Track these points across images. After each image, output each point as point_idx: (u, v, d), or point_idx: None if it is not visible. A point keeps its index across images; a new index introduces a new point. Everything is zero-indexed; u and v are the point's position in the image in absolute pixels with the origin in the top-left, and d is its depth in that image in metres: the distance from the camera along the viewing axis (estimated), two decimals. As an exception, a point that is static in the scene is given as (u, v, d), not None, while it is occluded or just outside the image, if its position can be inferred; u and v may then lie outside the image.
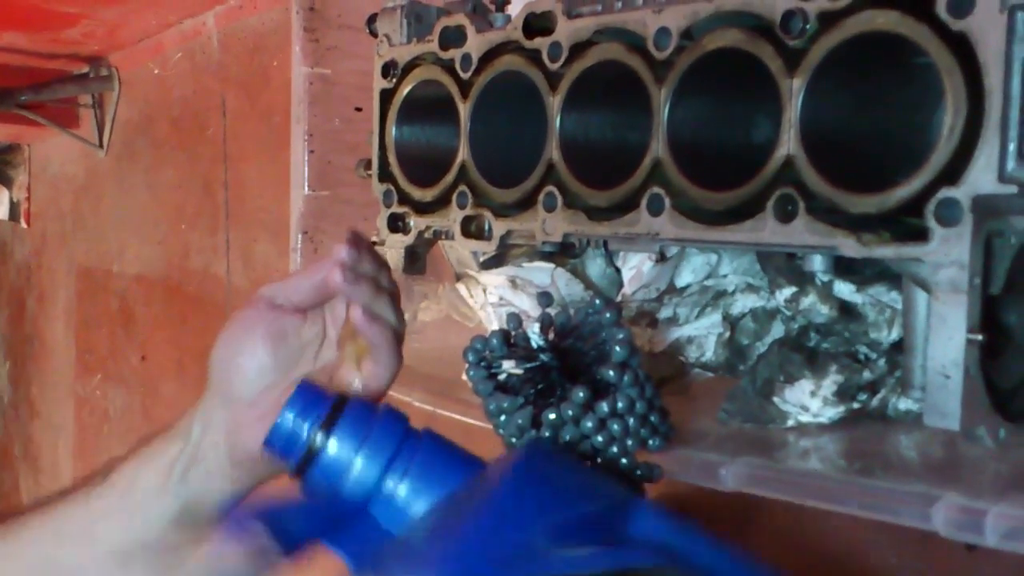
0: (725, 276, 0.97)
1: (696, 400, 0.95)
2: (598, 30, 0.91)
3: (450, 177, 1.05)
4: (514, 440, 0.74)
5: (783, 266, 0.88)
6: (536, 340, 0.75)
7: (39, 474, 4.04)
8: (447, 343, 1.23)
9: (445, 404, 1.01)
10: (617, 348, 0.73)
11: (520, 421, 0.72)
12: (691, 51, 0.84)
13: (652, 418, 0.74)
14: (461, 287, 1.14)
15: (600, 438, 0.72)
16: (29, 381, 4.14)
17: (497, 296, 1.08)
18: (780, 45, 0.77)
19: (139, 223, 3.10)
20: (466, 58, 1.03)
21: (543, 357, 0.75)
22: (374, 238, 1.17)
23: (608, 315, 0.75)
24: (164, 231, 2.94)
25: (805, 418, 0.84)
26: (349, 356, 0.77)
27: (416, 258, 1.13)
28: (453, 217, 1.04)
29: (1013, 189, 0.66)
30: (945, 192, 0.68)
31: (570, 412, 0.71)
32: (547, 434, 0.72)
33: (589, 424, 0.71)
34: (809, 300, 0.86)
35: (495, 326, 1.09)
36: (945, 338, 0.69)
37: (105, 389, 3.38)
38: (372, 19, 1.16)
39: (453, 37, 1.05)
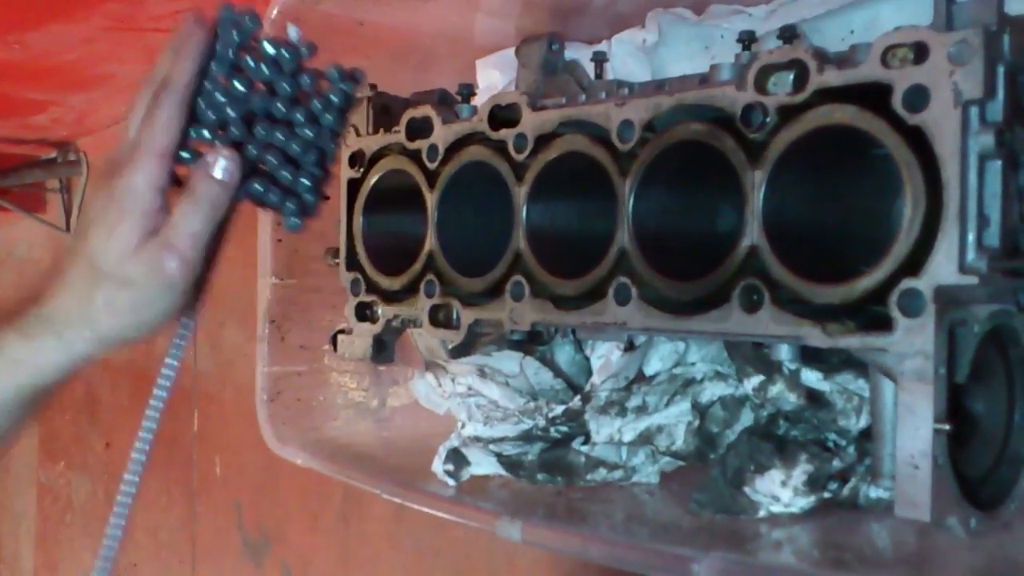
0: (693, 364, 0.97)
1: (667, 489, 0.95)
2: (563, 122, 0.92)
3: (418, 266, 1.05)
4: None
5: (750, 355, 0.89)
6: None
7: (-1, 565, 3.93)
8: (416, 431, 1.22)
9: (415, 497, 1.00)
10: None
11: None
12: (654, 143, 0.85)
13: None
14: (429, 376, 1.13)
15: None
16: (-10, 468, 4.04)
17: (466, 386, 1.07)
18: (741, 138, 0.78)
19: (105, 308, 3.06)
20: (432, 149, 1.04)
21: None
22: (342, 327, 1.16)
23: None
24: (130, 316, 2.91)
25: (776, 508, 0.83)
26: None
27: (384, 347, 1.12)
28: (421, 306, 1.03)
29: (974, 280, 0.67)
30: (907, 283, 0.69)
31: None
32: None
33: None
34: (777, 388, 0.86)
35: (464, 416, 1.08)
36: (912, 428, 0.69)
37: (68, 477, 3.31)
38: (339, 110, 1.17)
39: (420, 128, 1.06)
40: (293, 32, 0.79)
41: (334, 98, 0.79)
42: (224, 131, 0.77)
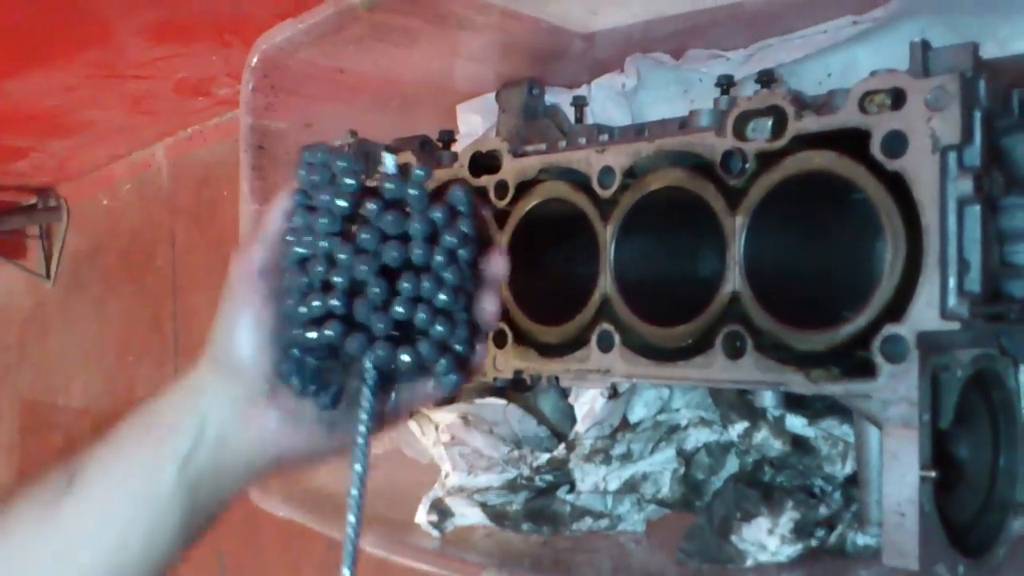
0: (678, 410, 0.96)
1: (653, 538, 0.93)
2: (543, 168, 0.91)
3: (399, 313, 1.04)
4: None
5: (735, 401, 0.88)
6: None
7: (-24, 618, 3.85)
8: (397, 480, 1.21)
9: (397, 549, 0.98)
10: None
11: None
12: (635, 189, 0.85)
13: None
14: (413, 424, 1.12)
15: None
16: (-32, 519, 3.98)
17: (449, 435, 1.06)
18: (721, 184, 0.78)
19: (86, 356, 3.04)
20: (413, 195, 1.03)
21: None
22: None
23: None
24: (111, 364, 2.89)
25: (764, 557, 0.82)
26: None
27: (366, 395, 1.11)
28: (403, 354, 1.02)
29: (956, 325, 0.67)
30: (890, 329, 0.68)
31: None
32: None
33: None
34: (762, 435, 0.86)
35: (448, 466, 1.06)
36: (898, 475, 0.68)
37: (48, 527, 3.26)
38: (320, 157, 1.16)
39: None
40: (390, 162, 0.65)
41: (465, 228, 0.64)
42: (357, 297, 0.62)
